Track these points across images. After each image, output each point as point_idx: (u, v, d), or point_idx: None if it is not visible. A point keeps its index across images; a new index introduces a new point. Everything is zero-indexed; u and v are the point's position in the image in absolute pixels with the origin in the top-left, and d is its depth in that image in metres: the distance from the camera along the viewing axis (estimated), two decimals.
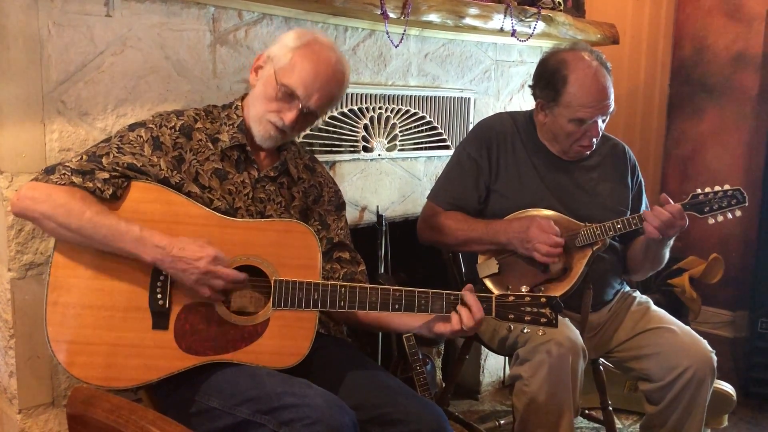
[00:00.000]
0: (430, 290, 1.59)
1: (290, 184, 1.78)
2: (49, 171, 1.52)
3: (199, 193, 1.62)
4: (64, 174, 1.50)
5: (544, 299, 1.59)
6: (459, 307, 1.57)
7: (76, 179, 1.50)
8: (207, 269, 1.48)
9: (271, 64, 1.67)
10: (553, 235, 2.02)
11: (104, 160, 1.54)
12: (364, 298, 1.57)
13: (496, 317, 1.60)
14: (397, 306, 1.57)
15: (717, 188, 2.01)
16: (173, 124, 1.65)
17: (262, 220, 1.66)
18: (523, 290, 1.60)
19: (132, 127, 1.63)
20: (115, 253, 1.51)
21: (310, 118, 1.71)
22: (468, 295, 1.58)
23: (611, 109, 2.10)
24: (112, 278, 1.52)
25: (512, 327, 1.61)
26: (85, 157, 1.55)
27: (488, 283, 2.14)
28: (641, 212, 2.06)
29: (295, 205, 1.77)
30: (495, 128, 2.24)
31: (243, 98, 1.77)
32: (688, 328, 2.11)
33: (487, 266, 2.16)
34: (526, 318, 1.59)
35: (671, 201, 2.02)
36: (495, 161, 2.20)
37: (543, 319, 1.59)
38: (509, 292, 1.60)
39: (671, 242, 2.11)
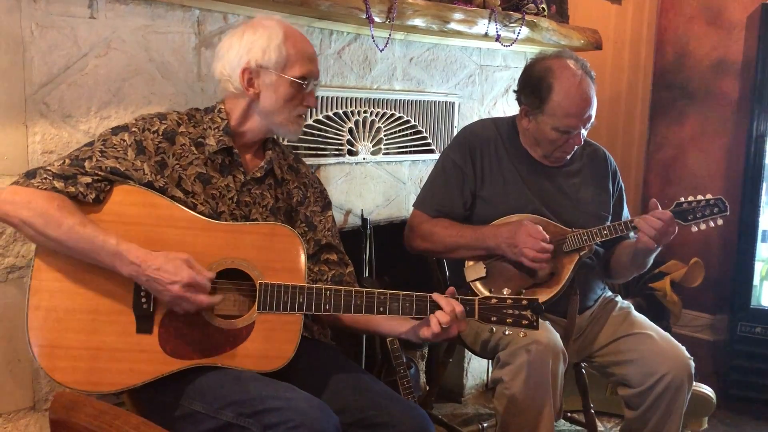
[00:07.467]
0: (414, 293, 1.60)
1: (276, 186, 1.79)
2: (30, 175, 1.50)
3: (182, 198, 1.61)
4: (45, 178, 1.49)
5: (525, 302, 1.62)
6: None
7: (58, 184, 1.49)
8: (179, 294, 1.46)
9: (267, 69, 1.65)
10: (541, 241, 2.02)
11: (87, 164, 1.53)
12: (349, 301, 1.58)
13: (479, 320, 1.62)
14: (381, 309, 1.58)
15: (700, 197, 2.04)
16: (156, 128, 1.63)
17: (247, 223, 1.66)
18: (505, 293, 1.63)
19: (115, 131, 1.61)
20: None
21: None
22: (435, 295, 1.60)
23: (592, 121, 2.11)
24: (95, 281, 1.51)
25: (494, 329, 1.63)
26: (67, 161, 1.53)
27: (477, 287, 2.14)
28: (631, 220, 2.08)
29: (279, 207, 1.77)
30: (478, 134, 2.25)
31: (224, 101, 1.74)
32: (667, 334, 2.13)
33: (475, 270, 2.16)
34: (507, 320, 1.62)
35: (659, 207, 2.04)
36: (479, 167, 2.21)
37: (524, 321, 1.62)
38: (491, 295, 1.62)
39: (658, 249, 2.13)
